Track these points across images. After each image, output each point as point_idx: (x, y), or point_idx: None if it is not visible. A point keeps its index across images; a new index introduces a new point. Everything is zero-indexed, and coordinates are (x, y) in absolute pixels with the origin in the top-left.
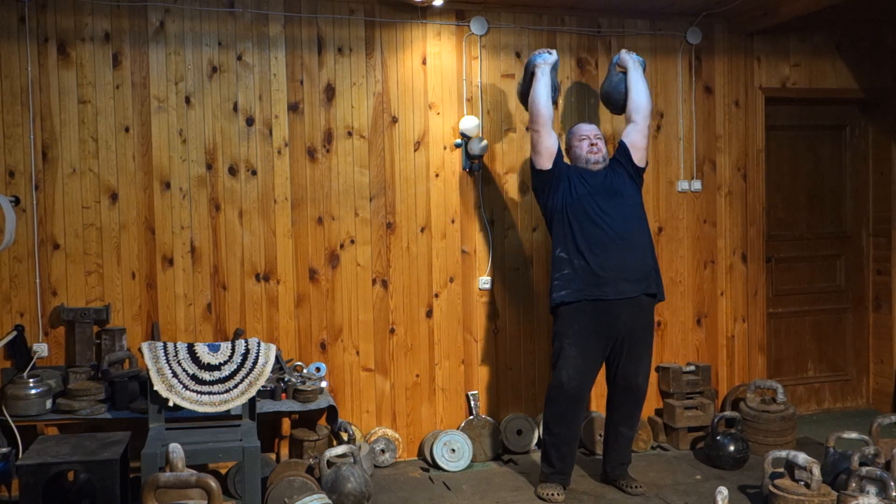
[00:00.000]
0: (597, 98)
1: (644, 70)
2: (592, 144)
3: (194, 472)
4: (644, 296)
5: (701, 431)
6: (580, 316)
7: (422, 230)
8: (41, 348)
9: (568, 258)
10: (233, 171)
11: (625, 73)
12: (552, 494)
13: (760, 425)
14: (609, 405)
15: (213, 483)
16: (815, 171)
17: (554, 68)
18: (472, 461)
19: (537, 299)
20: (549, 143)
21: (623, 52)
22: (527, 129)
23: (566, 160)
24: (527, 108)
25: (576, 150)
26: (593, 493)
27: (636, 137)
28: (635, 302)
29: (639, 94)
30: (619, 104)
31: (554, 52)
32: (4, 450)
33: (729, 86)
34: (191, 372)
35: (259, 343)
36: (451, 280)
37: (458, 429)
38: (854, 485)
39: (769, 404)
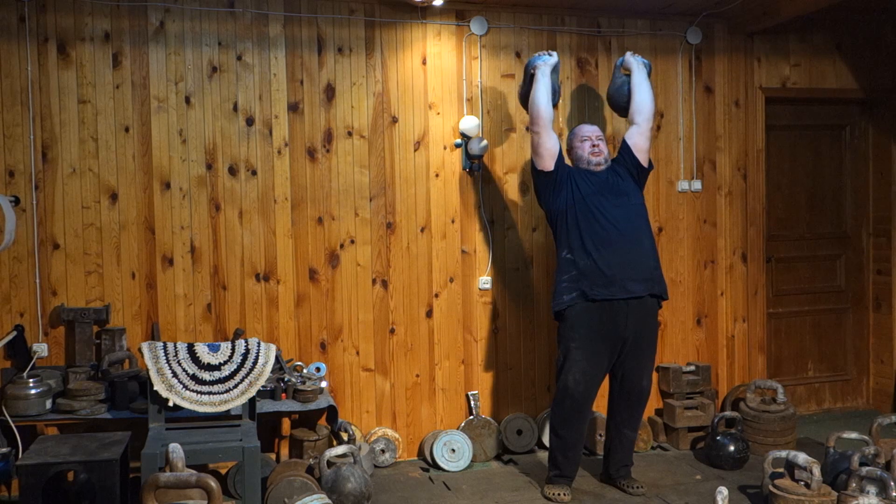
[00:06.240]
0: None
1: (649, 72)
2: (594, 146)
3: (194, 472)
4: (650, 296)
5: (701, 431)
6: (588, 318)
7: (422, 230)
8: (41, 348)
9: (573, 259)
10: (233, 171)
11: (629, 75)
12: (558, 494)
13: (760, 425)
14: (612, 407)
15: (213, 483)
16: (815, 171)
17: (554, 70)
18: (472, 461)
19: (537, 299)
20: (550, 145)
21: (628, 54)
22: (527, 129)
23: (567, 161)
24: (527, 110)
25: (577, 150)
26: (594, 492)
27: (638, 139)
28: (642, 303)
29: (641, 96)
30: (622, 106)
31: (554, 53)
32: (4, 450)
33: (729, 86)
34: (191, 372)
35: (259, 343)
36: (451, 280)
37: (458, 429)
38: (854, 485)
39: (769, 404)
